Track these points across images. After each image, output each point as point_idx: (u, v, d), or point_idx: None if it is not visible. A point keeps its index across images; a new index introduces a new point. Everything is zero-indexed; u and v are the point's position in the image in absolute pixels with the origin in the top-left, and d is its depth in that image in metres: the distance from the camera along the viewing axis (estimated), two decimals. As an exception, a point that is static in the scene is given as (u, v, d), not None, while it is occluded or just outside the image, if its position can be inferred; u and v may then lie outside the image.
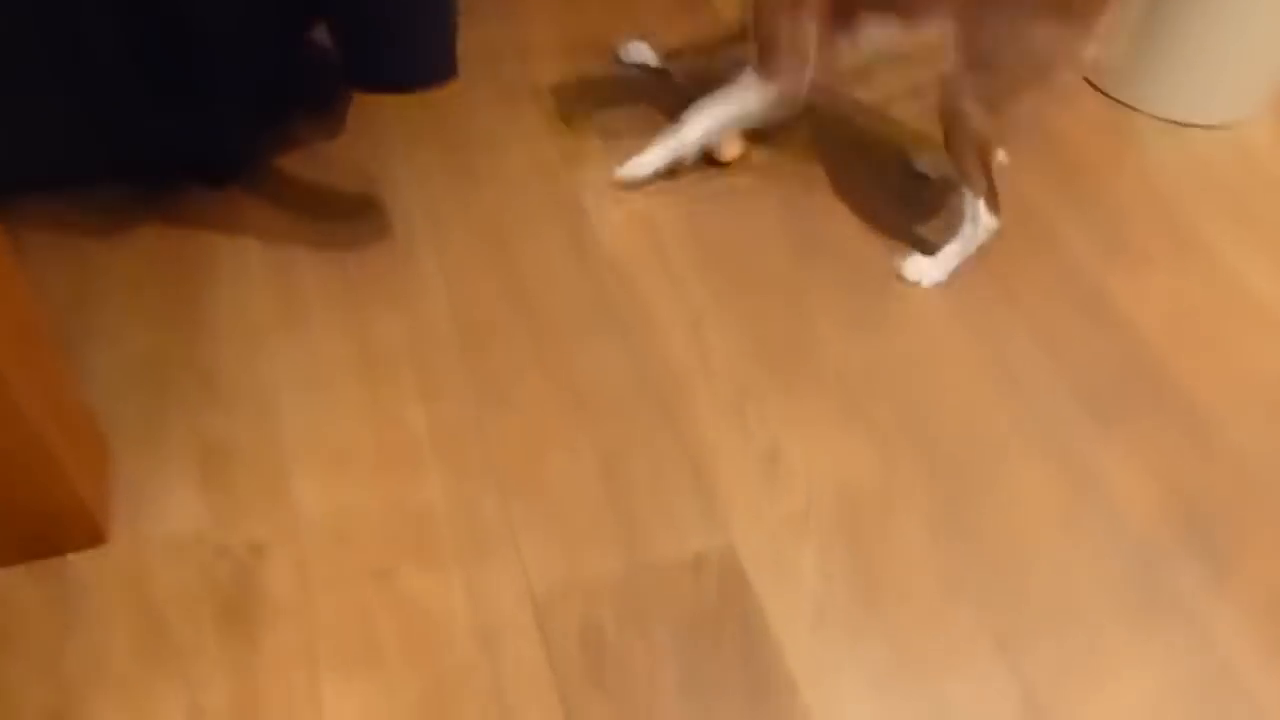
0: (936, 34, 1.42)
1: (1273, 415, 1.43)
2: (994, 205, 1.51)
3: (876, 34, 1.48)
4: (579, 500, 1.26)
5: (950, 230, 1.55)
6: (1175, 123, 1.86)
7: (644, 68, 1.87)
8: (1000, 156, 1.57)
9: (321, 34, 1.44)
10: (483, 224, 1.57)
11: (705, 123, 1.58)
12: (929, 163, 1.71)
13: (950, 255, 1.54)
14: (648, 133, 1.67)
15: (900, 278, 1.55)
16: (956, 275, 1.56)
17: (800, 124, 1.75)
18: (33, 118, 1.37)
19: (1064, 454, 1.36)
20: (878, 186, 1.69)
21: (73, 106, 1.36)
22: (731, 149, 1.67)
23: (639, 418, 1.35)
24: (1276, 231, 1.69)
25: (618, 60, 1.87)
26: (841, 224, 1.63)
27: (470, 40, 1.88)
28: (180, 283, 1.45)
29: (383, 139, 1.69)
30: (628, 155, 1.65)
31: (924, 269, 1.55)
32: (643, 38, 1.87)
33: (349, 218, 1.57)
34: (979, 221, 1.51)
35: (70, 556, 1.16)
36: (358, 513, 1.23)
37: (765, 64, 1.50)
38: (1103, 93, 1.91)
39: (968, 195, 1.50)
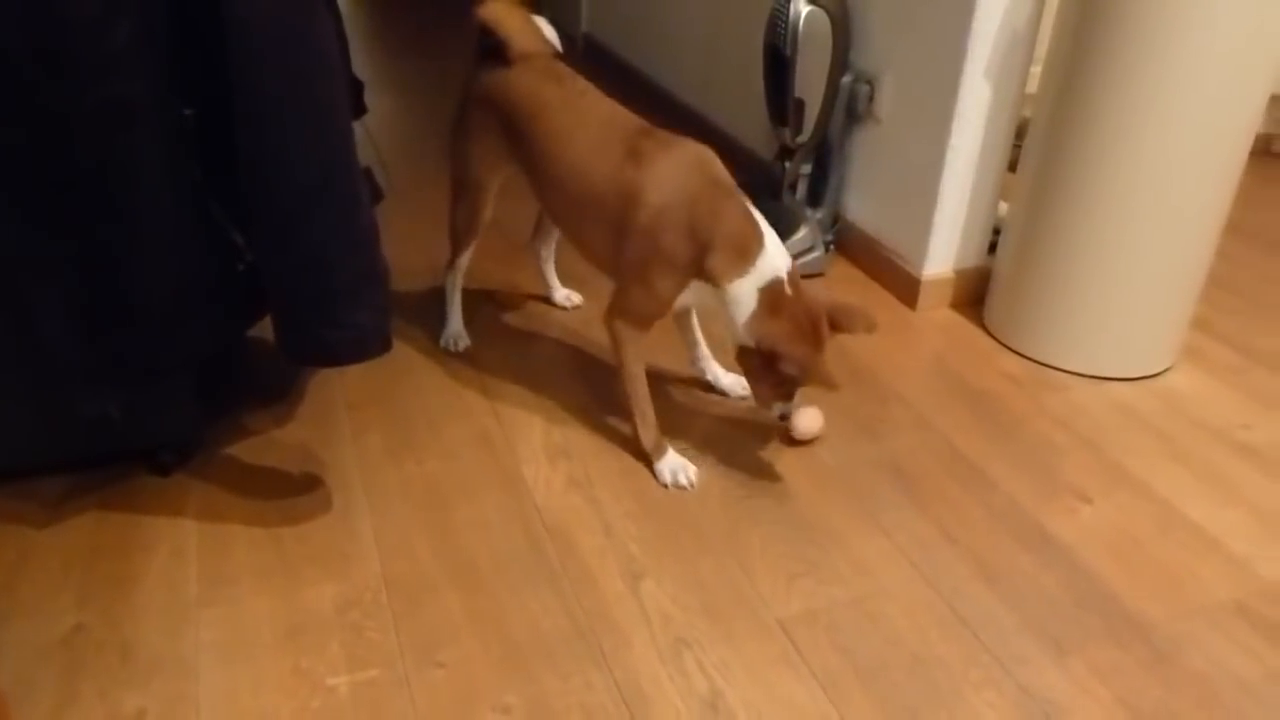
0: None
1: (1231, 637, 1.38)
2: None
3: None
4: (508, 759, 1.19)
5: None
6: (1096, 377, 1.96)
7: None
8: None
9: (265, 329, 1.55)
10: (421, 493, 1.60)
11: None
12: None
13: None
14: (584, 403, 1.74)
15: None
16: (896, 522, 1.57)
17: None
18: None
19: (1020, 688, 1.30)
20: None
21: (19, 396, 1.42)
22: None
23: (574, 670, 1.30)
24: (1205, 466, 1.73)
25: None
26: (775, 478, 1.66)
27: (418, 328, 2.02)
28: (114, 562, 1.45)
29: (329, 423, 1.75)
30: (564, 425, 1.71)
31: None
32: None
33: (290, 495, 1.59)
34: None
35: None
36: (269, 784, 1.15)
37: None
38: (1019, 353, 2.03)
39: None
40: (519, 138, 1.70)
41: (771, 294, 1.53)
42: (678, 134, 1.60)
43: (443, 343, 1.99)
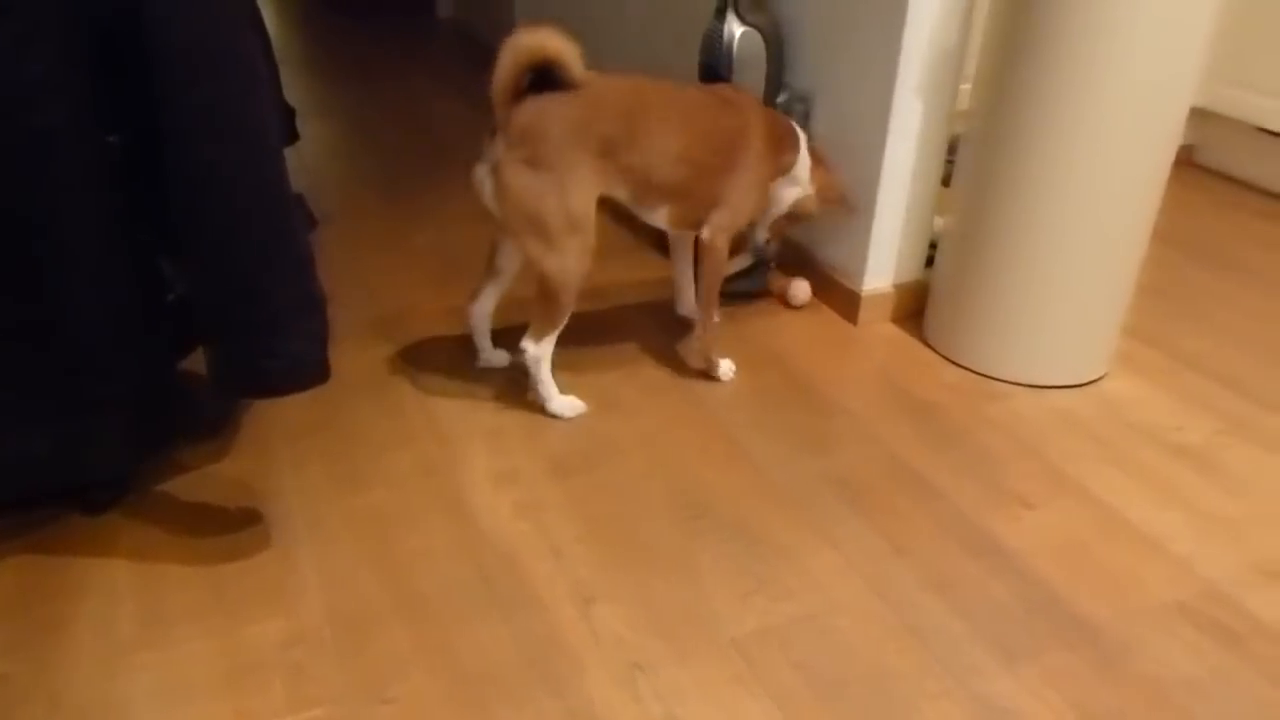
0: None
1: (1176, 637, 1.40)
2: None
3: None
4: (461, 795, 1.15)
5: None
6: (1035, 386, 1.99)
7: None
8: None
9: (198, 361, 1.50)
10: (365, 524, 1.56)
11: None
12: None
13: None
14: (529, 426, 1.72)
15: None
16: (845, 535, 1.57)
17: (669, 398, 1.84)
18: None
19: (975, 698, 1.30)
20: (759, 448, 1.74)
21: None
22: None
23: (526, 700, 1.27)
24: (1145, 469, 1.76)
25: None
26: (723, 495, 1.66)
27: (359, 359, 1.99)
28: (42, 607, 1.39)
29: (268, 455, 1.71)
30: (510, 450, 1.69)
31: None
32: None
33: (228, 532, 1.55)
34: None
35: None
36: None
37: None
38: (959, 365, 2.05)
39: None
40: (621, 141, 1.74)
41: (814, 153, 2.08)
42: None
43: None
